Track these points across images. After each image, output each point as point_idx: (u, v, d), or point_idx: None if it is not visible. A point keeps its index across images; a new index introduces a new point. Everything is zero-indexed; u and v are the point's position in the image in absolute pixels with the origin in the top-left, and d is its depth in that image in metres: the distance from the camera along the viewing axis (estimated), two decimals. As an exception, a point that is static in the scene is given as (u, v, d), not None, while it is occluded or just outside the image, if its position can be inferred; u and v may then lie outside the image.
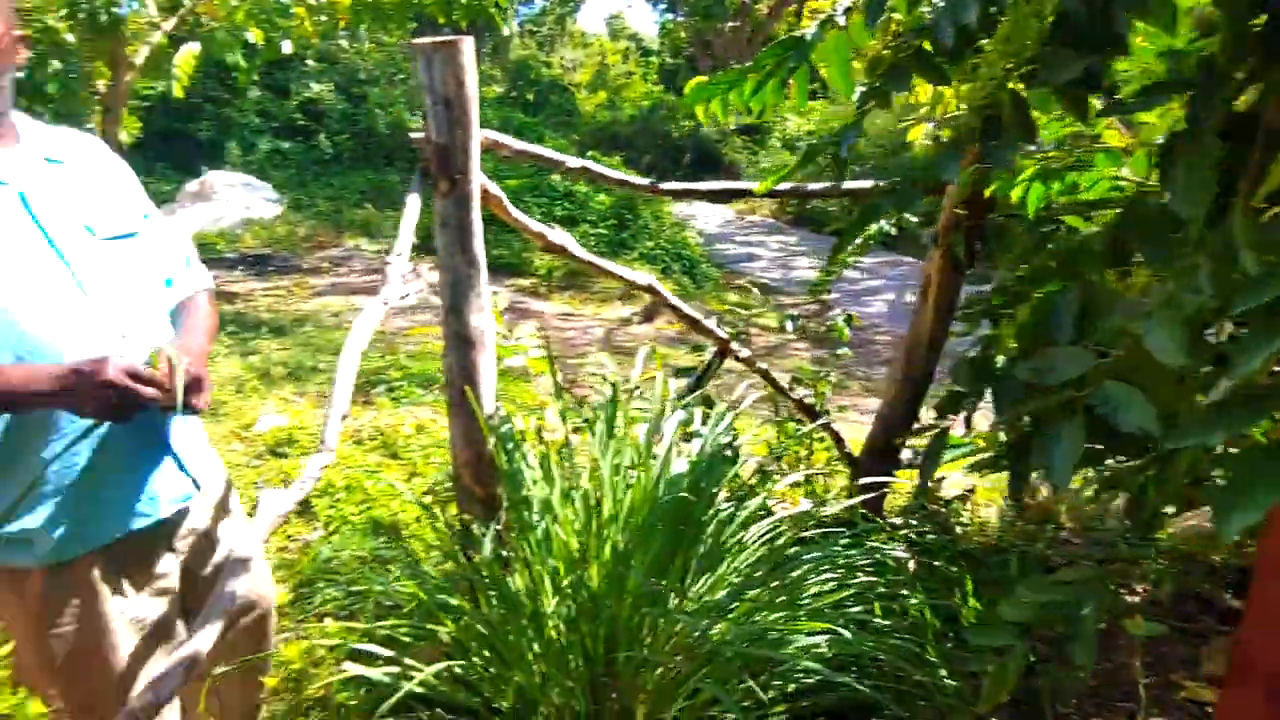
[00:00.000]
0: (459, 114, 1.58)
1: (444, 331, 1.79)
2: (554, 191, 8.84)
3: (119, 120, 5.86)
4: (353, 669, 1.46)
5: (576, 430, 2.12)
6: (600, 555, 1.79)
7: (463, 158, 1.62)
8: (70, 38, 4.86)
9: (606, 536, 1.81)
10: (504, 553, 1.78)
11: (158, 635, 1.22)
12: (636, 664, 1.63)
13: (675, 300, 2.29)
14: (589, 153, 10.10)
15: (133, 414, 1.04)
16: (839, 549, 1.80)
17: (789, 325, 3.10)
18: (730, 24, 16.28)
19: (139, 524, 1.20)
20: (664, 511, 1.78)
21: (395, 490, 3.07)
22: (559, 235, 1.99)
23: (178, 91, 5.30)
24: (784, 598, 1.71)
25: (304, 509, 2.90)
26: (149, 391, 1.04)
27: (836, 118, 13.27)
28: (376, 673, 1.48)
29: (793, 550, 1.80)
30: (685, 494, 1.76)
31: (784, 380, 2.56)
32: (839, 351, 3.11)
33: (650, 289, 2.21)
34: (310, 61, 11.01)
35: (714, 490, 1.87)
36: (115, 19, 4.86)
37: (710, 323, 2.42)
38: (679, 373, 2.66)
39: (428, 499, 3.13)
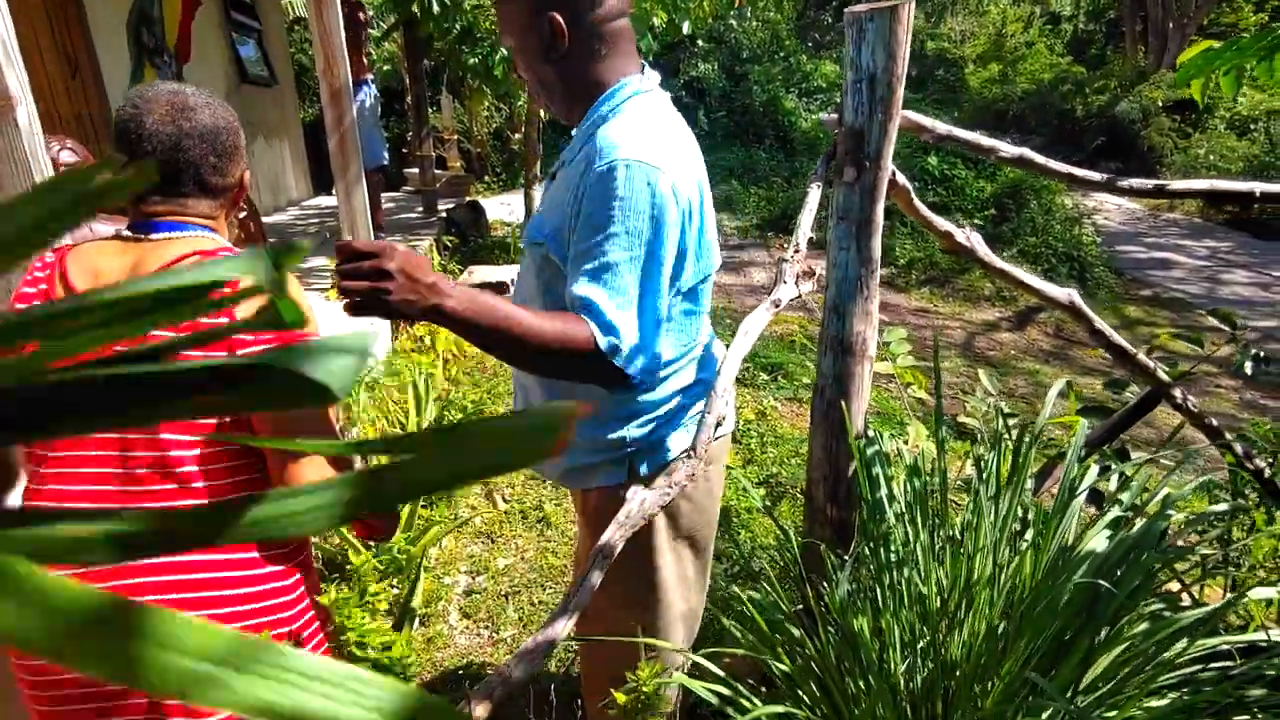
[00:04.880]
0: (883, 93, 1.38)
1: (820, 333, 1.62)
2: (927, 175, 8.14)
3: (540, 98, 6.68)
4: (682, 679, 1.40)
5: (953, 460, 1.82)
6: (967, 623, 1.51)
7: (878, 142, 1.41)
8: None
9: (977, 603, 1.51)
10: (849, 586, 1.59)
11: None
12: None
13: (1102, 325, 1.84)
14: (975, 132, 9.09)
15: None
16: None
17: (1249, 367, 2.37)
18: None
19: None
20: (1062, 592, 1.42)
21: (733, 475, 3.04)
22: (968, 235, 1.69)
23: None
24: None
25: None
26: None
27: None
28: (704, 691, 1.41)
29: (1255, 693, 1.31)
30: (1096, 579, 1.39)
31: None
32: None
33: (1071, 307, 1.80)
34: (700, 42, 11.54)
35: (1136, 582, 1.45)
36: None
37: (1143, 355, 1.91)
38: (1083, 410, 2.17)
39: (762, 491, 3.05)
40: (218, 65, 6.59)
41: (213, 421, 1.09)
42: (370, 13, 7.37)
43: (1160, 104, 12.08)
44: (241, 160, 1.20)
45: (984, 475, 1.64)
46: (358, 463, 1.18)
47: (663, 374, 1.26)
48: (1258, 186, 1.56)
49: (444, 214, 7.13)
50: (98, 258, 1.11)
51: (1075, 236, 7.71)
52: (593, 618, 1.43)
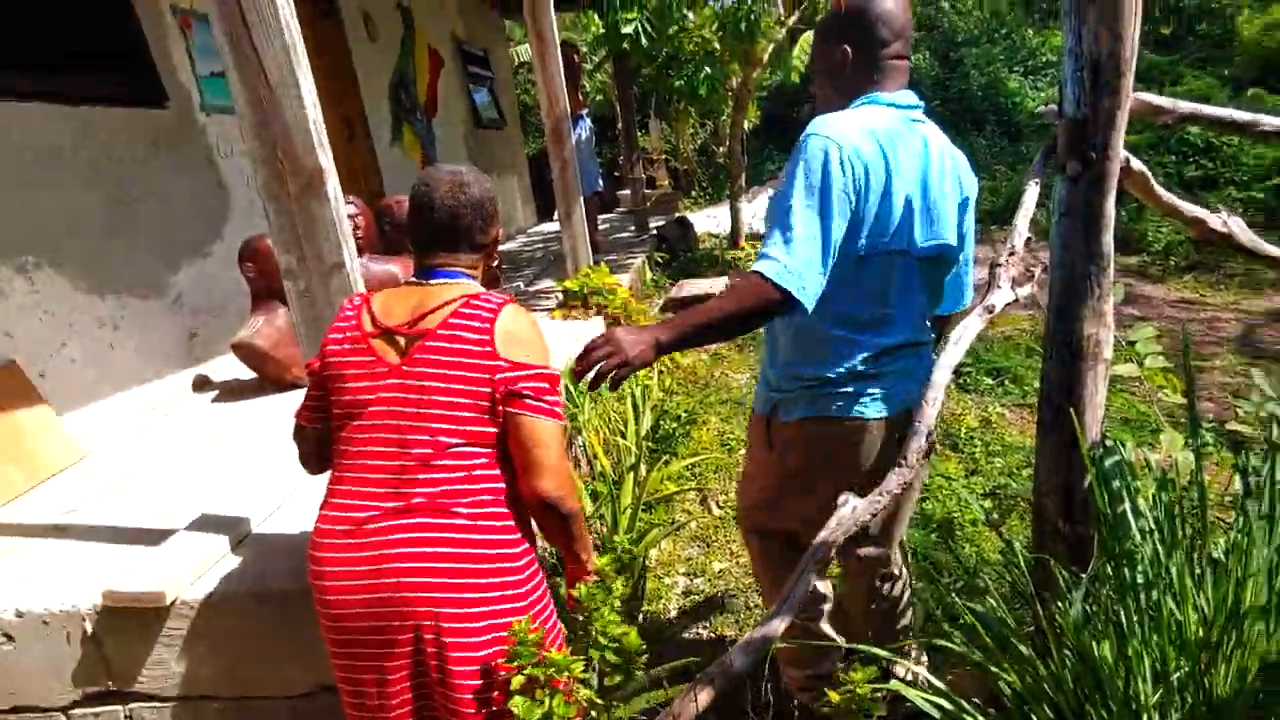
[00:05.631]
0: (1109, 77, 1.29)
1: (1046, 335, 1.54)
2: (1187, 145, 7.09)
3: (744, 110, 6.80)
4: (900, 688, 1.39)
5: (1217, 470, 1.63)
6: (1236, 656, 1.34)
7: (1106, 130, 1.32)
8: (718, 45, 5.77)
9: (1249, 635, 1.34)
10: (1088, 607, 1.48)
11: None
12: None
13: None
14: (1250, 91, 7.80)
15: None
16: None
17: None
18: None
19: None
20: (1362, 629, 1.23)
21: (955, 485, 2.90)
22: (1225, 221, 1.51)
23: (794, 78, 5.85)
24: None
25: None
26: None
27: None
28: (923, 701, 1.39)
29: None
30: None
31: None
32: None
33: (1373, 298, 1.53)
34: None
35: None
36: (753, 25, 5.60)
37: None
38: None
39: (988, 503, 2.88)
40: (457, 114, 7.46)
41: (475, 429, 1.32)
42: (584, 49, 7.95)
43: None
44: (498, 222, 1.49)
45: (1255, 488, 1.45)
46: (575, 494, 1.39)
47: (835, 333, 1.51)
48: None
49: (655, 231, 7.47)
50: (391, 299, 1.41)
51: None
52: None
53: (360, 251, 3.40)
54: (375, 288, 1.48)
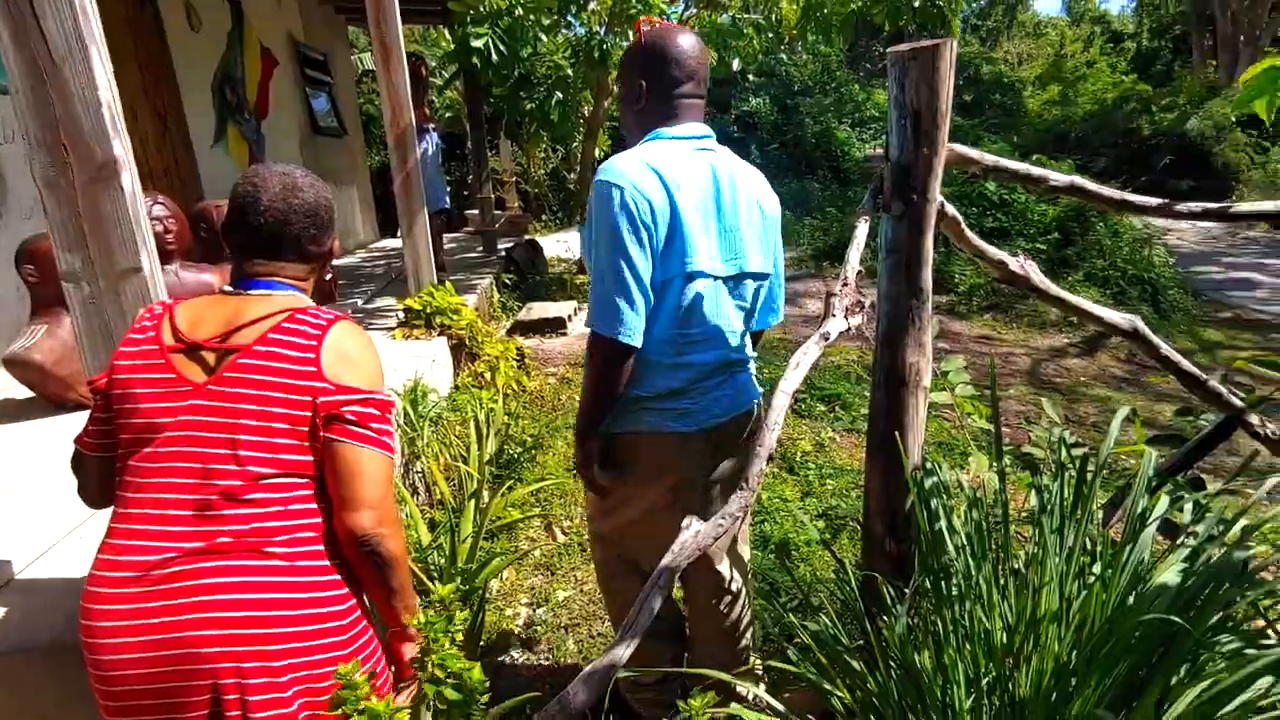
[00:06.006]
0: (928, 127, 1.40)
1: (874, 365, 1.63)
2: (985, 200, 8.00)
3: (595, 137, 6.87)
4: (739, 710, 1.40)
5: (1015, 492, 1.79)
6: (1034, 659, 1.47)
7: (924, 176, 1.43)
8: (570, 72, 5.80)
9: (1045, 639, 1.48)
10: (911, 620, 1.57)
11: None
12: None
13: (1169, 351, 1.79)
14: (1034, 156, 8.94)
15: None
16: None
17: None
18: (1249, -10, 12.99)
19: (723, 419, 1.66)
20: (1135, 627, 1.38)
21: (790, 507, 3.02)
22: (1022, 264, 1.68)
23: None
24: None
25: (704, 510, 3.01)
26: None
27: None
28: (764, 721, 1.40)
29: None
30: (1170, 615, 1.34)
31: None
32: None
33: (1135, 334, 1.76)
34: (751, 76, 11.68)
35: (1215, 617, 1.40)
36: (605, 53, 5.68)
37: (1216, 381, 1.85)
38: (1154, 439, 2.10)
39: (821, 524, 3.02)
40: (293, 118, 6.99)
41: (292, 458, 1.18)
42: (432, 63, 7.73)
43: (1234, 119, 11.62)
44: (333, 231, 1.36)
45: (1047, 506, 1.60)
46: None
47: (646, 357, 1.57)
48: (1329, 208, 1.51)
49: (503, 252, 7.34)
50: (199, 309, 1.25)
51: (1146, 258, 7.44)
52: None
53: (169, 258, 3.05)
54: (186, 299, 1.31)
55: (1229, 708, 1.34)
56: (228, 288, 1.29)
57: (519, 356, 4.17)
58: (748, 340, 1.74)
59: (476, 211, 8.27)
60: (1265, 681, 1.38)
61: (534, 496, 3.19)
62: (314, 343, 1.21)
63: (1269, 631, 1.62)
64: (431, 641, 1.20)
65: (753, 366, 1.78)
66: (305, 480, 1.21)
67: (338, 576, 1.22)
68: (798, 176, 10.60)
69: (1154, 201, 1.50)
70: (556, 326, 5.41)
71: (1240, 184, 11.56)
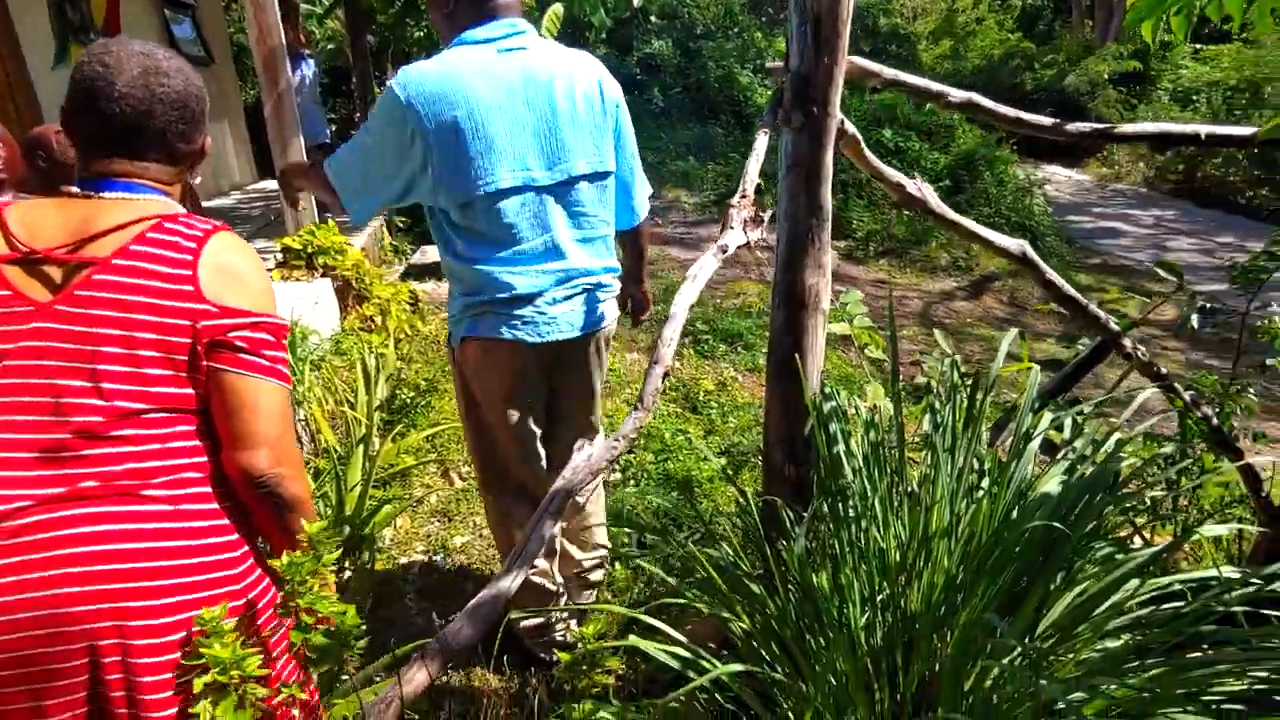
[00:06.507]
0: (828, 35, 1.33)
1: (774, 288, 1.59)
2: (882, 147, 8.17)
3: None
4: (637, 642, 1.36)
5: (909, 419, 1.81)
6: (925, 575, 1.50)
7: (824, 87, 1.37)
8: None
9: (936, 555, 1.50)
10: (809, 544, 1.57)
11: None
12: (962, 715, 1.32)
13: (1053, 275, 1.84)
14: (926, 106, 9.18)
15: None
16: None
17: (1195, 320, 2.39)
18: (1122, -48, 13.61)
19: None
20: (1018, 539, 1.42)
21: (694, 445, 3.01)
22: (919, 187, 1.66)
23: (544, 33, 5.72)
24: (1184, 692, 1.27)
25: (606, 450, 2.96)
26: None
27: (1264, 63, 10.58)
28: (660, 653, 1.37)
29: (1205, 629, 1.32)
30: (1052, 522, 1.39)
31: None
32: (1270, 362, 2.34)
33: (1023, 257, 1.79)
34: (654, 18, 11.40)
35: (1090, 525, 1.45)
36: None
37: (1094, 306, 1.92)
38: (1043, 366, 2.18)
39: (722, 460, 3.03)
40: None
41: (168, 391, 1.03)
42: (310, -13, 7.13)
43: (1107, 77, 12.30)
44: (204, 127, 1.15)
45: (939, 427, 1.62)
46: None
47: (477, 266, 1.55)
48: (1203, 129, 1.56)
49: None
50: (42, 212, 1.04)
51: (1027, 206, 7.83)
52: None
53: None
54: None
55: (1101, 608, 1.41)
56: (74, 189, 1.06)
57: (412, 300, 3.96)
58: (601, 252, 1.67)
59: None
60: (1133, 584, 1.45)
61: (429, 442, 3.05)
62: (189, 257, 1.03)
63: (1137, 539, 1.72)
64: (298, 584, 1.08)
65: (610, 280, 1.72)
66: (186, 414, 1.05)
67: (227, 521, 1.08)
68: (700, 121, 10.49)
69: (1047, 121, 1.50)
70: (453, 271, 5.20)
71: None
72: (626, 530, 2.40)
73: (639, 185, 1.75)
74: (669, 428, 3.15)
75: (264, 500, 1.09)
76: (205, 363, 1.04)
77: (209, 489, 1.07)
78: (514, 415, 1.68)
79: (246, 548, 1.11)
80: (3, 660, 0.95)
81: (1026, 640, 1.37)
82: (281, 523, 1.11)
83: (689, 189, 8.86)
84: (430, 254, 5.32)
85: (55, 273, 1.01)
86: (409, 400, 3.21)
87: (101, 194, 1.06)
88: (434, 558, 2.50)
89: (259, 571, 1.14)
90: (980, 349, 5.04)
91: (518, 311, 1.57)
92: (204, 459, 1.07)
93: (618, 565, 2.35)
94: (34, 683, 0.96)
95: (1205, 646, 1.37)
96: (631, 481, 2.87)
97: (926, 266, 6.93)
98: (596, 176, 1.60)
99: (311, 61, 5.57)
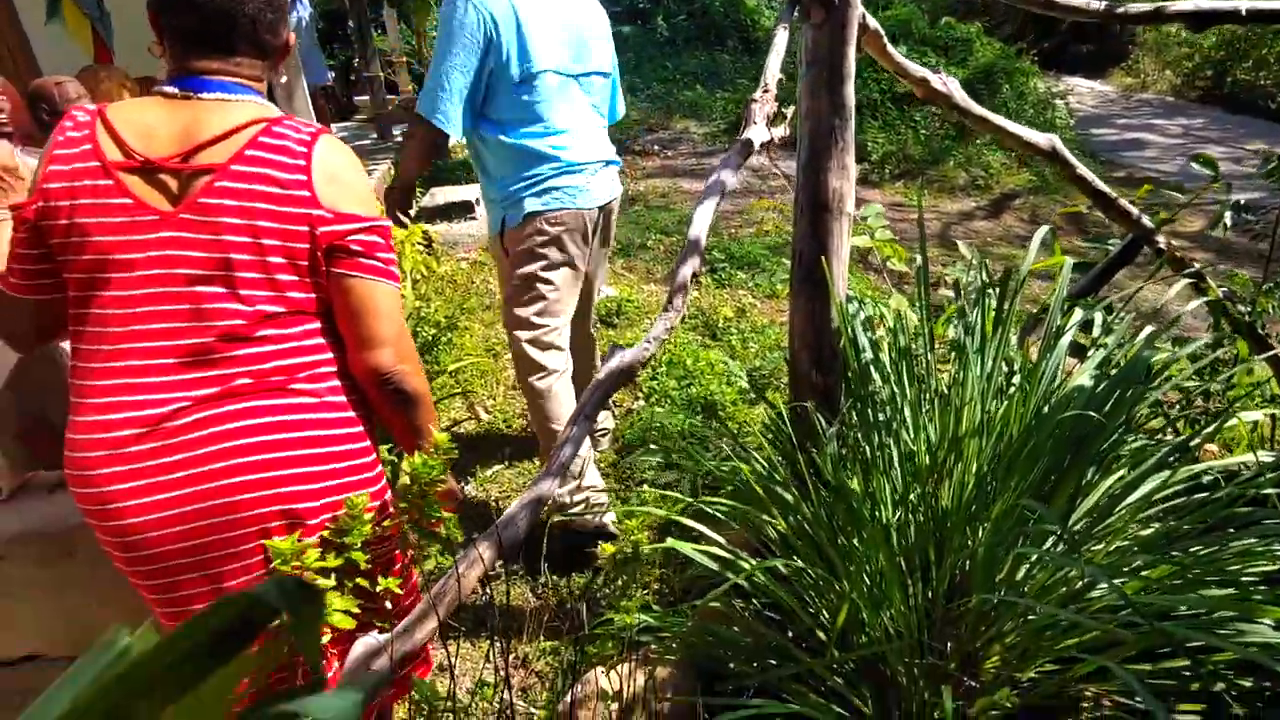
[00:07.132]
0: (849, -87, 1.27)
1: (796, 193, 1.56)
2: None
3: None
4: (677, 544, 1.39)
5: (938, 327, 1.79)
6: (956, 472, 1.50)
7: (846, -26, 1.31)
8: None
9: (967, 454, 1.51)
10: (840, 449, 1.58)
11: None
12: (991, 607, 1.34)
13: (1084, 170, 1.79)
14: (943, 20, 8.84)
15: None
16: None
17: (1228, 218, 2.32)
18: None
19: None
20: (1050, 432, 1.41)
21: (716, 370, 3.02)
22: (944, 81, 1.61)
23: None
24: (1216, 575, 1.27)
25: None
26: None
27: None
28: (698, 554, 1.40)
29: (1238, 510, 1.33)
30: (1085, 412, 1.38)
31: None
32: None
33: (1053, 152, 1.74)
34: (654, -60, 10.96)
35: (1122, 417, 1.45)
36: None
37: (1125, 201, 1.87)
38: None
39: (745, 381, 3.03)
40: (141, -9, 6.15)
41: (297, 295, 1.06)
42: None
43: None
44: (289, 20, 1.13)
45: (969, 329, 1.61)
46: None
47: (527, 142, 1.87)
48: (1243, 4, 1.49)
49: (400, 138, 6.85)
50: (145, 115, 1.03)
51: (1049, 120, 7.58)
52: None
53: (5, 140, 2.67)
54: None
55: (1134, 497, 1.41)
56: (169, 88, 1.05)
57: (426, 241, 3.93)
58: (606, 134, 2.09)
59: (367, 98, 7.63)
60: (1165, 474, 1.45)
61: (453, 379, 3.07)
62: (302, 162, 1.03)
63: (1169, 432, 1.71)
64: (425, 484, 1.10)
65: (615, 158, 2.12)
66: (311, 315, 1.08)
67: (358, 414, 1.14)
68: (706, 48, 10.17)
69: (1096, 2, 1.43)
70: (464, 211, 5.13)
71: (1135, 46, 11.83)
72: (652, 448, 2.42)
73: (620, 91, 2.21)
74: (689, 355, 3.15)
75: (390, 397, 1.12)
76: (325, 268, 1.06)
77: (340, 383, 1.12)
78: (571, 275, 2.01)
79: (370, 440, 1.17)
80: (182, 545, 1.01)
81: (1066, 528, 1.38)
82: (406, 416, 1.16)
83: (698, 119, 8.66)
84: (440, 195, 5.27)
85: (172, 181, 1.01)
86: (431, 338, 3.23)
87: (200, 95, 1.04)
88: (464, 487, 2.54)
89: (380, 465, 1.20)
90: (1000, 268, 4.96)
91: (571, 183, 1.91)
92: (331, 355, 1.11)
93: (645, 487, 2.38)
94: (209, 569, 1.03)
95: (1235, 530, 1.37)
96: (656, 407, 2.89)
97: (944, 187, 6.77)
98: (606, 75, 2.02)
99: (307, 3, 5.43)
